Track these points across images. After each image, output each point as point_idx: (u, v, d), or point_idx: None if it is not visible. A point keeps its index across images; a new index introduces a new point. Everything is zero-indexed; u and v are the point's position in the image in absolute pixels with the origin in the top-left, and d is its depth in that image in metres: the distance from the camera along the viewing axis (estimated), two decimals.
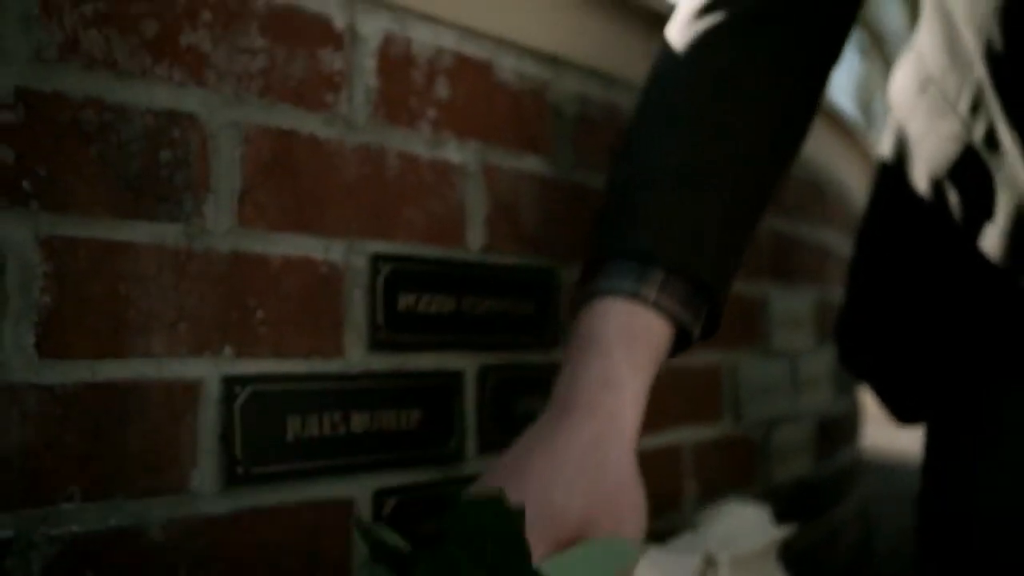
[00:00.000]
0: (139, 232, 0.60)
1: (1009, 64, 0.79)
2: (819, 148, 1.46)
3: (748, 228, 0.74)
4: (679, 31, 0.76)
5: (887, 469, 2.81)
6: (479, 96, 0.80)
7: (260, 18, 0.66)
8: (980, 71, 0.82)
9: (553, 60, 0.86)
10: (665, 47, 0.77)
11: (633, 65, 0.94)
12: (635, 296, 0.66)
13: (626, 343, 0.65)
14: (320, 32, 0.69)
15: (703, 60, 0.73)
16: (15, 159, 0.55)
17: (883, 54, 9.60)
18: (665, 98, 0.74)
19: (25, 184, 0.55)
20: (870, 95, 10.66)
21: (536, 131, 0.85)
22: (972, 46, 0.82)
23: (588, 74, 0.90)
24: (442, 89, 0.77)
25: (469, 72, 0.79)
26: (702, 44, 0.74)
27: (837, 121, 1.57)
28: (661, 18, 0.96)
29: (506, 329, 0.82)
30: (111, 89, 0.58)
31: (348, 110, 0.71)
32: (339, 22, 0.70)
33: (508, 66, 0.82)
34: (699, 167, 0.70)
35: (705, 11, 0.75)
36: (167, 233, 0.61)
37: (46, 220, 0.56)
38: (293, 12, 0.67)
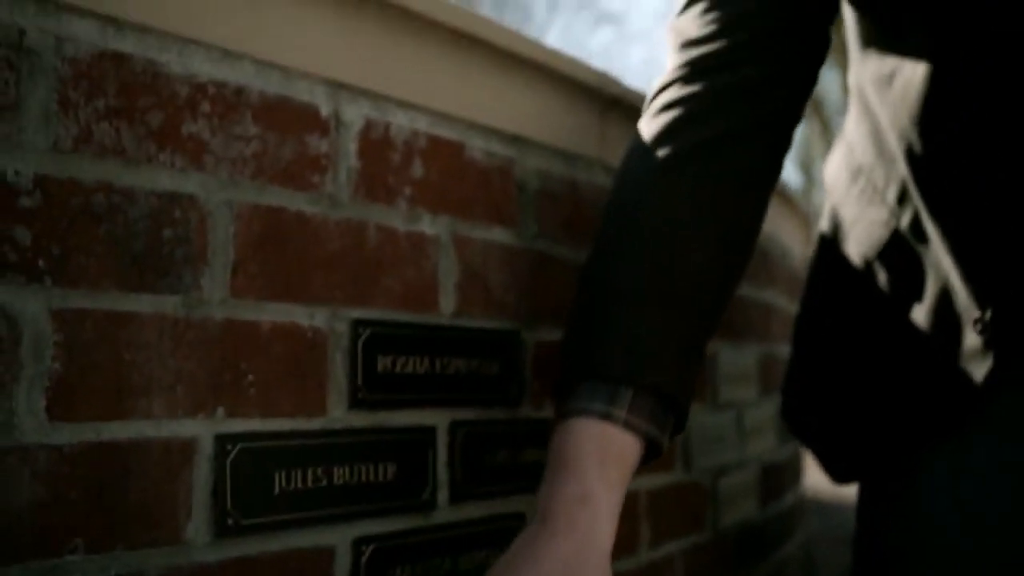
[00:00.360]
0: (142, 303, 0.63)
1: (928, 166, 0.85)
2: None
3: (708, 335, 0.80)
4: (644, 152, 0.81)
5: (829, 509, 2.87)
6: (451, 174, 0.85)
7: (254, 108, 0.70)
8: (903, 169, 0.88)
9: (518, 140, 0.91)
10: (629, 166, 0.82)
11: (589, 144, 0.99)
12: (607, 417, 0.72)
13: (599, 462, 0.70)
14: (308, 119, 0.73)
15: (663, 189, 0.79)
16: (32, 240, 0.58)
17: (822, 118, 9.88)
18: (628, 222, 0.79)
19: (41, 262, 0.59)
20: (811, 157, 10.94)
21: (502, 205, 0.90)
22: (895, 147, 0.88)
23: (549, 152, 0.95)
24: (417, 168, 0.82)
25: (442, 152, 0.84)
26: (663, 171, 0.79)
27: (780, 192, 1.64)
28: (615, 101, 1.01)
29: (475, 387, 0.86)
30: (119, 175, 0.62)
31: (332, 189, 0.75)
32: (325, 110, 0.75)
33: (477, 146, 0.87)
34: (661, 290, 0.76)
35: (668, 134, 0.80)
36: (167, 304, 0.65)
37: (58, 294, 0.59)
38: (284, 102, 0.72)
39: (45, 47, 0.59)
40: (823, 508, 2.83)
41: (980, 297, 0.84)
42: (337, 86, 0.75)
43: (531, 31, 14.43)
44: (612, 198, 0.82)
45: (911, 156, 0.86)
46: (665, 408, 0.75)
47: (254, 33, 0.70)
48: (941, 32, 0.81)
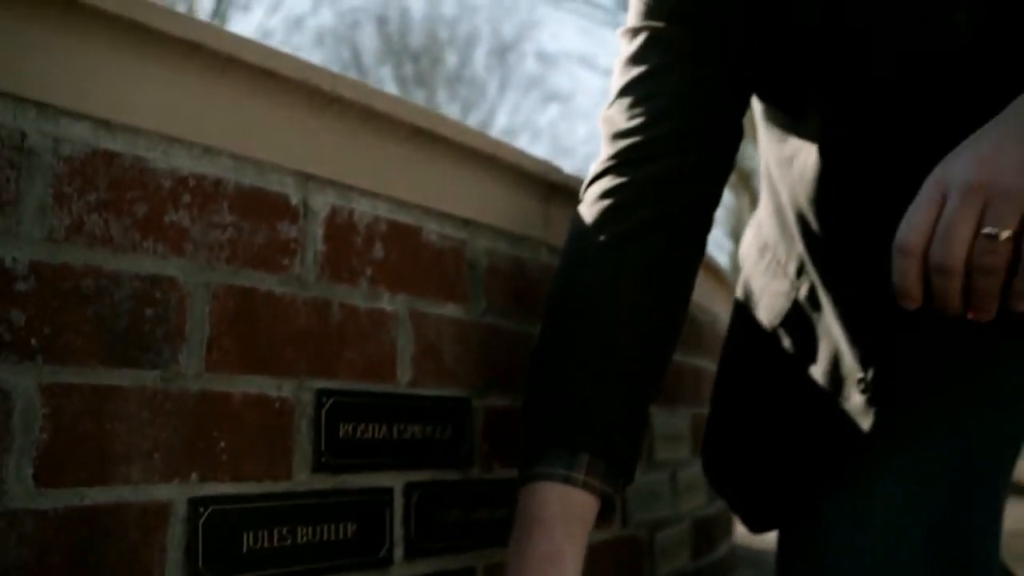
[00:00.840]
0: (125, 377, 0.66)
1: (821, 244, 0.92)
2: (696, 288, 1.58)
3: (651, 400, 0.88)
4: (583, 239, 0.87)
5: (763, 559, 2.90)
6: (408, 255, 0.89)
7: (230, 198, 0.74)
8: (800, 246, 0.95)
9: (469, 223, 0.96)
10: (570, 253, 0.88)
11: (534, 225, 1.04)
12: (567, 479, 0.79)
13: (564, 522, 0.78)
14: (279, 208, 0.78)
15: (601, 274, 0.85)
16: (26, 321, 0.61)
17: (749, 188, 10.18)
18: (574, 306, 0.86)
19: (33, 341, 0.61)
20: (741, 226, 11.24)
21: (455, 282, 0.94)
22: (794, 225, 0.95)
23: (498, 234, 1.00)
24: (378, 250, 0.86)
25: (401, 235, 0.88)
26: (600, 258, 0.86)
27: (710, 265, 1.71)
28: (557, 186, 1.07)
29: (429, 451, 0.89)
30: (107, 260, 0.66)
31: (300, 270, 0.79)
32: (295, 199, 0.79)
33: (432, 229, 0.92)
34: (608, 367, 0.83)
35: (602, 223, 0.86)
36: (147, 377, 0.68)
37: (48, 370, 0.62)
38: (258, 192, 0.76)
39: (44, 148, 0.62)
40: (756, 558, 2.87)
41: (863, 360, 0.90)
42: (306, 177, 0.80)
43: (484, 108, 14.67)
44: (557, 282, 0.88)
45: (807, 234, 0.93)
46: (616, 468, 0.82)
47: (232, 131, 0.74)
48: (831, 120, 0.88)
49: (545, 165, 1.05)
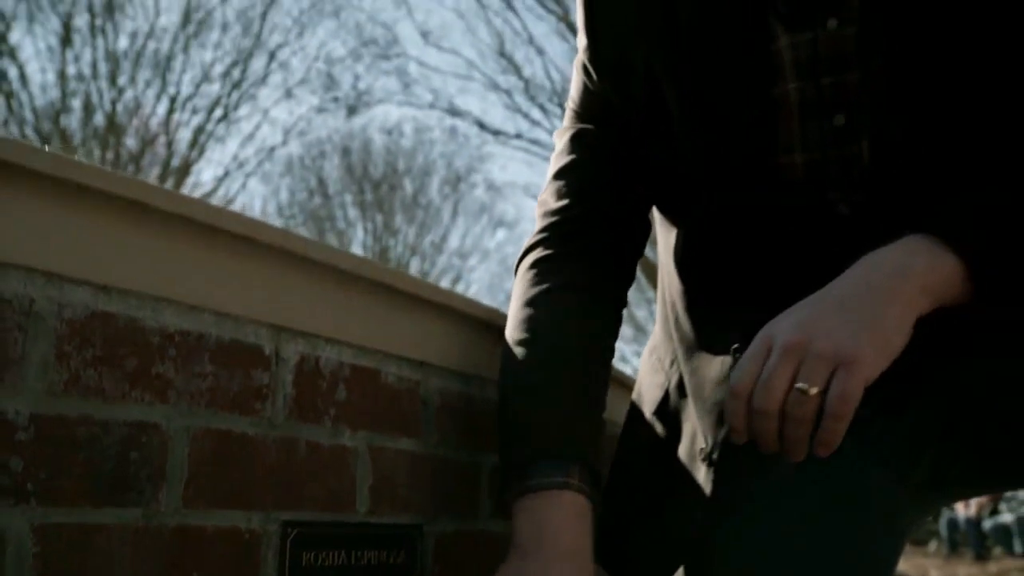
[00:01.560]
0: (109, 516, 0.69)
1: (685, 338, 1.00)
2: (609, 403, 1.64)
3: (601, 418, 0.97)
4: (522, 299, 0.98)
5: None
6: (368, 395, 0.94)
7: (211, 350, 0.78)
8: (675, 337, 1.02)
9: (423, 365, 1.01)
10: (516, 309, 0.98)
11: (481, 365, 1.10)
12: (566, 485, 0.85)
13: (575, 520, 0.83)
14: (254, 357, 0.82)
15: (546, 320, 0.96)
16: (23, 467, 0.64)
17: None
18: (526, 350, 0.94)
19: (29, 485, 0.64)
20: None
21: (410, 419, 0.98)
22: (671, 323, 1.02)
23: (448, 373, 1.05)
24: (341, 392, 0.90)
25: (361, 378, 0.93)
26: (541, 307, 0.96)
27: (619, 378, 1.77)
28: (501, 330, 1.13)
29: (384, 574, 0.92)
30: (99, 410, 0.69)
31: (271, 413, 0.83)
32: (268, 349, 0.84)
33: (390, 371, 0.97)
34: (572, 389, 0.93)
35: (535, 284, 0.98)
36: (130, 515, 0.70)
37: (40, 512, 0.65)
38: (235, 344, 0.81)
39: (49, 311, 0.67)
40: None
41: (706, 435, 0.95)
42: (279, 329, 0.85)
43: (438, 231, 14.89)
44: (510, 332, 0.97)
45: (678, 329, 1.01)
46: (596, 475, 0.89)
47: (214, 290, 0.79)
48: (693, 231, 0.98)
49: (491, 311, 1.11)
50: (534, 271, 0.98)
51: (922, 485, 0.90)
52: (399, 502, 0.95)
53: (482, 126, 10.89)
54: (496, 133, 10.89)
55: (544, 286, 0.97)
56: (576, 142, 1.02)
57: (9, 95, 11.53)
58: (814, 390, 0.71)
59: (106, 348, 0.70)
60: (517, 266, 1.03)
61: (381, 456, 0.94)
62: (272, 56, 12.46)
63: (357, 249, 15.11)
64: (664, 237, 1.06)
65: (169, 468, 0.74)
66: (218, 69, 12.29)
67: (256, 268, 0.83)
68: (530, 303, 0.96)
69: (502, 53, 10.03)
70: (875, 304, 0.74)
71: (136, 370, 0.72)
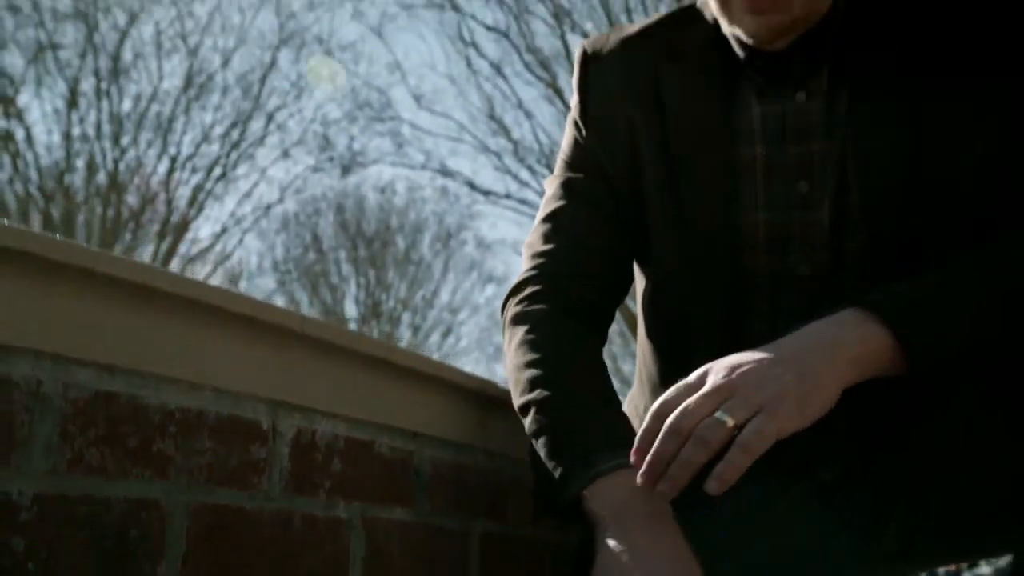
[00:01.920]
0: None
1: (655, 386, 1.02)
2: None
3: None
4: (519, 329, 0.98)
5: None
6: (363, 467, 0.94)
7: (210, 426, 0.79)
8: (647, 388, 1.05)
9: (416, 436, 1.02)
10: (515, 340, 0.98)
11: (472, 435, 1.10)
12: (627, 465, 0.82)
13: (648, 491, 0.79)
14: (252, 432, 0.82)
15: (549, 340, 0.97)
16: (25, 547, 0.64)
17: None
18: (538, 371, 0.94)
19: (30, 565, 0.64)
20: None
21: (402, 488, 0.98)
22: (644, 376, 1.05)
23: (440, 443, 1.05)
24: (336, 464, 0.91)
25: (356, 450, 0.93)
26: (542, 330, 0.98)
27: None
28: (491, 400, 1.14)
29: None
30: (101, 488, 0.69)
31: (268, 486, 0.83)
32: (265, 424, 0.84)
33: (384, 443, 0.97)
34: (609, 393, 0.94)
35: (528, 314, 0.99)
36: None
37: None
38: (234, 419, 0.81)
39: (55, 392, 0.67)
40: None
41: None
42: (276, 404, 0.85)
43: (429, 287, 14.93)
44: (519, 359, 0.96)
45: (648, 378, 1.04)
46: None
47: (215, 368, 0.79)
48: (654, 281, 1.02)
49: (481, 382, 1.11)
50: (524, 304, 1.00)
51: (892, 555, 0.91)
52: (392, 571, 0.95)
53: (473, 186, 10.99)
54: (486, 193, 10.98)
55: (540, 311, 0.98)
56: (565, 189, 1.06)
57: (15, 155, 11.61)
58: (731, 422, 0.74)
59: (109, 427, 0.71)
60: (504, 303, 1.05)
61: (374, 526, 0.94)
62: (270, 118, 12.62)
63: (350, 304, 15.12)
64: (639, 286, 1.09)
65: (168, 543, 0.73)
66: (218, 130, 12.43)
67: (255, 345, 0.84)
68: (532, 328, 0.97)
69: (492, 116, 10.18)
70: (806, 368, 0.78)
71: (137, 448, 0.73)
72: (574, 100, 1.09)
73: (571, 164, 1.08)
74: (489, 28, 9.79)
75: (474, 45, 9.98)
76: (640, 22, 1.08)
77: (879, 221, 0.91)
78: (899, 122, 0.91)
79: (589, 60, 1.07)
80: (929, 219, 0.90)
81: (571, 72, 1.09)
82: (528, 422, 0.93)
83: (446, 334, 15.26)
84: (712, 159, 0.97)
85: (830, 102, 0.94)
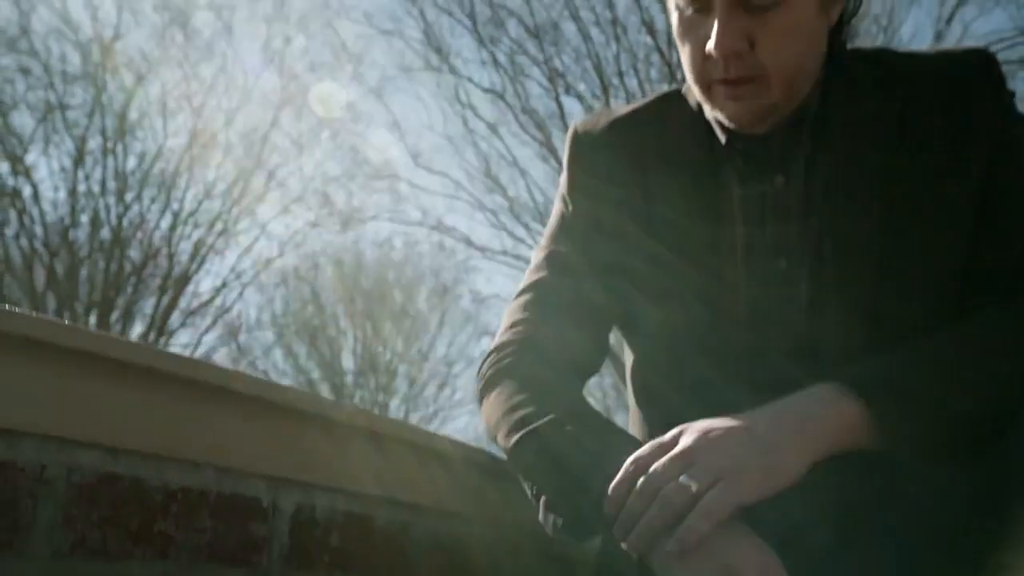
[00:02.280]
0: None
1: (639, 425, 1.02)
2: None
3: None
4: (495, 392, 0.95)
5: None
6: (361, 540, 0.93)
7: (211, 505, 0.78)
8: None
9: (412, 506, 1.01)
10: (492, 395, 0.95)
11: (467, 503, 1.09)
12: None
13: None
14: (252, 510, 0.82)
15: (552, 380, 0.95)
16: None
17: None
18: (558, 400, 0.92)
19: None
20: None
21: (399, 559, 0.98)
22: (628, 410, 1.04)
23: (437, 514, 1.04)
24: (335, 539, 0.90)
25: (354, 524, 0.93)
26: (515, 384, 0.95)
27: None
28: (485, 467, 1.13)
29: None
30: (102, 570, 0.69)
31: (266, 563, 0.82)
32: (265, 501, 0.83)
33: (382, 515, 0.96)
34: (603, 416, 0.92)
35: (504, 373, 0.96)
36: None
37: None
38: (235, 497, 0.81)
39: (59, 476, 0.67)
40: None
41: None
42: (276, 480, 0.85)
43: (426, 340, 14.90)
44: (500, 406, 0.93)
45: (634, 418, 1.04)
46: None
47: (217, 447, 0.79)
48: (639, 352, 1.02)
49: (475, 451, 1.11)
50: (501, 363, 0.99)
51: None
52: None
53: (469, 243, 11.05)
54: (482, 250, 11.04)
55: (519, 365, 0.97)
56: (548, 260, 1.08)
57: (21, 211, 11.66)
58: (694, 487, 0.75)
59: (111, 509, 0.70)
60: (480, 366, 1.06)
61: None
62: (271, 175, 12.73)
63: (348, 357, 15.06)
64: (626, 355, 1.10)
65: None
66: (220, 187, 12.52)
67: (258, 423, 0.84)
68: (512, 379, 0.96)
69: (488, 174, 10.27)
70: (775, 439, 0.79)
71: (139, 529, 0.72)
72: (563, 177, 1.11)
73: (556, 237, 1.10)
74: (485, 90, 9.93)
75: (471, 107, 10.08)
76: (629, 105, 1.11)
77: (853, 299, 0.94)
78: (872, 205, 0.94)
79: (579, 139, 1.10)
80: (901, 298, 0.93)
81: (564, 131, 1.13)
82: (529, 454, 0.93)
83: (442, 386, 15.18)
84: (696, 238, 0.99)
85: (808, 185, 0.96)
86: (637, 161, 1.04)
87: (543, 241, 1.12)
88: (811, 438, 0.80)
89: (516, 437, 0.94)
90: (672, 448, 0.79)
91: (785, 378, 0.90)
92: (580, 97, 9.53)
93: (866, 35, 8.81)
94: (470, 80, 9.69)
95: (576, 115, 9.96)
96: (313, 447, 0.89)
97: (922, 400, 0.84)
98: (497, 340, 1.05)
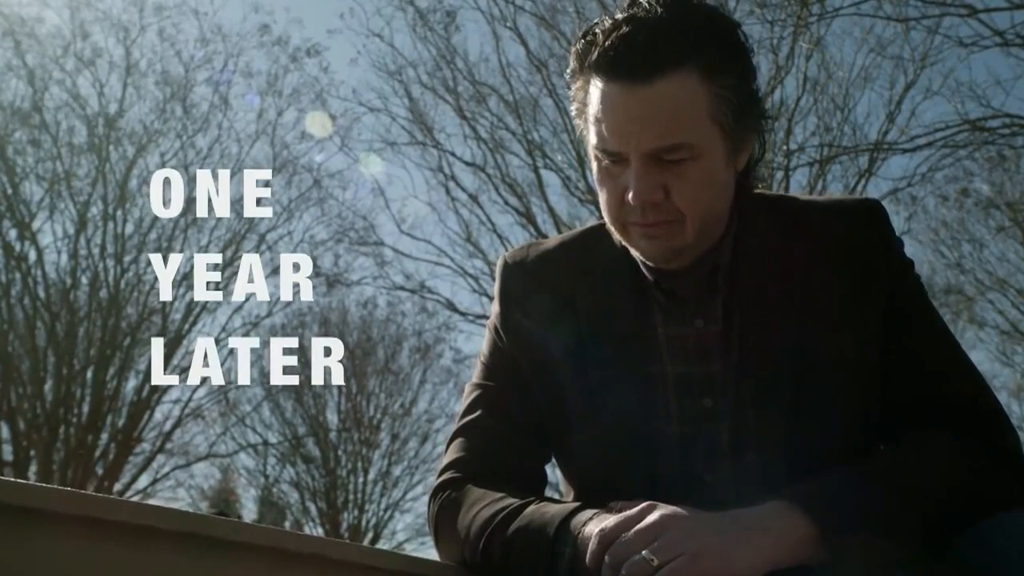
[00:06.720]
0: None
1: None
2: None
3: None
4: (457, 510, 0.98)
5: None
6: None
7: None
8: None
9: None
10: (451, 522, 0.98)
11: None
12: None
13: None
14: None
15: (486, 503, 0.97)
16: None
17: None
18: (512, 504, 0.95)
19: None
20: None
21: None
22: None
23: None
24: None
25: None
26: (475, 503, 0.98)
27: None
28: None
29: None
30: None
31: None
32: None
33: None
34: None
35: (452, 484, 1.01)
36: None
37: None
38: None
39: None
40: None
41: None
42: None
43: (408, 396, 14.77)
44: (460, 525, 0.96)
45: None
46: None
47: None
48: (577, 481, 1.04)
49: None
50: (447, 495, 1.00)
51: None
52: None
53: (452, 307, 11.04)
54: (463, 314, 11.03)
55: (468, 492, 0.98)
56: (481, 400, 1.06)
57: (26, 274, 11.55)
58: (655, 562, 0.77)
59: None
60: (428, 505, 1.04)
61: None
62: (262, 239, 12.70)
63: (331, 414, 14.94)
64: (561, 480, 1.09)
65: None
66: (213, 251, 12.46)
67: (256, 569, 0.82)
68: (464, 503, 0.97)
69: (469, 240, 10.32)
70: (737, 538, 0.81)
71: None
72: (494, 308, 1.10)
73: (489, 370, 1.08)
74: (467, 163, 10.02)
75: (453, 178, 10.17)
76: (557, 237, 1.12)
77: (772, 436, 0.95)
78: (785, 347, 0.96)
79: (509, 271, 1.10)
80: (813, 437, 0.95)
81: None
82: (496, 546, 0.91)
83: (423, 441, 15.03)
84: (626, 373, 1.00)
85: (726, 327, 0.97)
86: (568, 300, 1.04)
87: (475, 374, 1.10)
88: (767, 545, 0.82)
89: (482, 543, 0.94)
90: (640, 521, 0.81)
91: (715, 507, 0.91)
92: (558, 168, 9.66)
93: (825, 114, 9.03)
94: (452, 155, 9.80)
95: (553, 186, 10.08)
96: None
97: (868, 515, 0.86)
98: (438, 481, 1.03)
